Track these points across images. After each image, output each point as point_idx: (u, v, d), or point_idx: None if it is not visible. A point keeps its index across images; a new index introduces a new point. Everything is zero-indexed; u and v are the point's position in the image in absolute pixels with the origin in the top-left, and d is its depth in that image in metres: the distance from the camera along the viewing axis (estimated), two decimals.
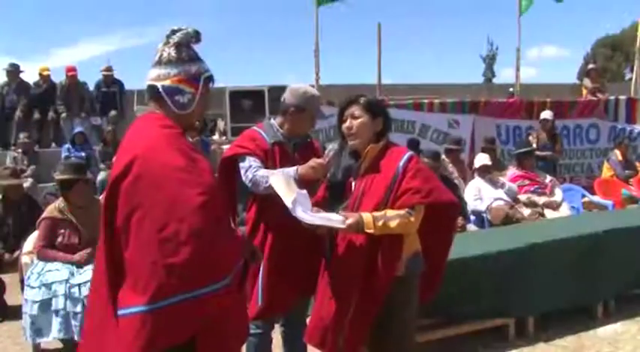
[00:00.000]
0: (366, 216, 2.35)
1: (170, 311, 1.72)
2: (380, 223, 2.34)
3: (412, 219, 2.39)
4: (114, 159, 1.98)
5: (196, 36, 2.00)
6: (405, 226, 2.39)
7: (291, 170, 2.64)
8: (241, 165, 2.75)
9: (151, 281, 1.71)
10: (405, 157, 2.47)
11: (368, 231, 2.34)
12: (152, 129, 1.88)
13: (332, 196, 2.61)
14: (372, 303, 2.48)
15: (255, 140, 2.84)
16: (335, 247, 2.58)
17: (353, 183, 2.57)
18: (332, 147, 2.64)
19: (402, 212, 2.38)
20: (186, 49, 1.98)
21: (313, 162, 2.62)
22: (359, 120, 2.51)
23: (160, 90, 1.93)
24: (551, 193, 6.02)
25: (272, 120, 2.92)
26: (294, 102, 2.82)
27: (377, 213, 2.38)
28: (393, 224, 2.35)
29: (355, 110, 2.52)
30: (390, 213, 2.38)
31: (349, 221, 2.33)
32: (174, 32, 1.97)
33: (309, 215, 2.32)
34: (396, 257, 2.45)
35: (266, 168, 2.73)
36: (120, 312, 1.78)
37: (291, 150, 2.87)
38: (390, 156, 2.50)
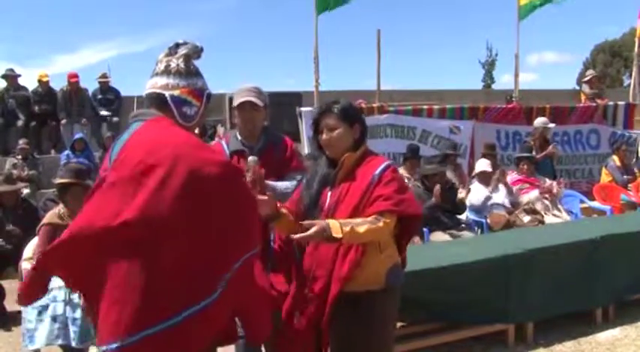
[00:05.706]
0: (333, 222, 2.21)
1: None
2: (347, 228, 2.19)
3: (380, 224, 2.26)
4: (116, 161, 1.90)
5: (200, 51, 2.02)
6: (374, 232, 2.26)
7: None
8: None
9: (213, 276, 1.70)
10: (382, 166, 2.38)
11: (335, 235, 2.17)
12: (174, 129, 1.84)
13: (309, 213, 2.44)
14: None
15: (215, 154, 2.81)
16: (302, 260, 2.48)
17: (329, 193, 2.45)
18: (251, 159, 2.55)
19: (369, 218, 2.27)
20: (192, 62, 2.00)
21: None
22: (336, 131, 2.40)
23: (168, 99, 1.92)
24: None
25: (237, 131, 2.87)
26: (234, 103, 2.85)
27: (343, 220, 2.25)
28: (361, 229, 2.21)
29: (330, 120, 2.41)
30: (357, 220, 2.27)
31: (313, 230, 2.15)
32: (178, 46, 1.99)
33: None
34: (352, 269, 2.33)
35: None
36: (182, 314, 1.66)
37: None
38: (367, 164, 2.41)
